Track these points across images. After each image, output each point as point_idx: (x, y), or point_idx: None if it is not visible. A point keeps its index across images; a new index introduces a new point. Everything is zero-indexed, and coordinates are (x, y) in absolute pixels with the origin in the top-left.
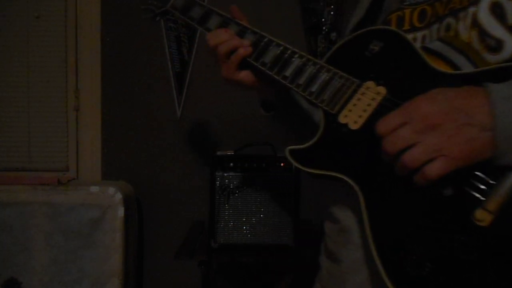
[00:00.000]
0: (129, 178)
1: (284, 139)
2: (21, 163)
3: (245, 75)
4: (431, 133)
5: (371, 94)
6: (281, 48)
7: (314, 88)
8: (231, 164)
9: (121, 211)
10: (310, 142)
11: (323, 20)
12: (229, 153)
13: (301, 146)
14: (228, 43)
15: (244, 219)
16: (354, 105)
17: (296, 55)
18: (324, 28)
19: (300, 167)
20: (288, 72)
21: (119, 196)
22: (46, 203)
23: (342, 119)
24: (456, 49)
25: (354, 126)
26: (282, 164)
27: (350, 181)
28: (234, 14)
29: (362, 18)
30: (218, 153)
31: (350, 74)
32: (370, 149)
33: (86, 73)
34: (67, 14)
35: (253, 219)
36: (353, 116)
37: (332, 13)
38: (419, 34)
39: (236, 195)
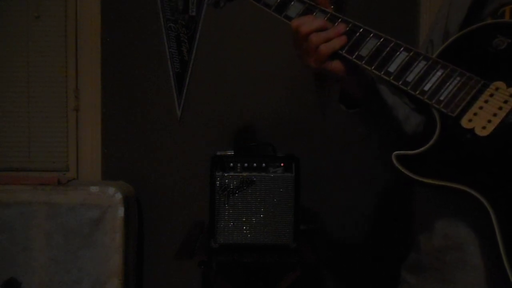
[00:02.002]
0: (129, 178)
1: (286, 139)
2: (21, 163)
3: (336, 65)
4: None
5: (502, 96)
6: (381, 40)
7: (427, 86)
8: (231, 164)
9: (121, 211)
10: (423, 148)
11: None
12: (229, 153)
13: (412, 152)
14: (323, 33)
15: (244, 219)
16: (480, 108)
17: (402, 48)
18: None
19: (411, 175)
20: (393, 68)
21: (119, 196)
22: (46, 203)
23: (465, 124)
24: None
25: (482, 133)
26: (282, 164)
27: (477, 195)
28: (318, 0)
29: (469, 9)
30: (218, 153)
31: (471, 72)
32: (502, 159)
33: (86, 73)
34: (67, 14)
35: (253, 219)
36: (481, 120)
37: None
38: None
39: (236, 195)
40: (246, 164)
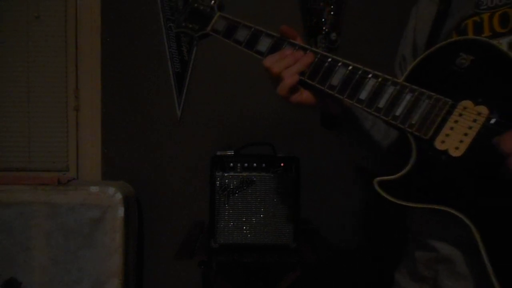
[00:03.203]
0: (129, 178)
1: (286, 139)
2: (21, 163)
3: (308, 96)
4: None
5: (470, 115)
6: (350, 67)
7: (398, 111)
8: (231, 164)
9: (121, 211)
10: (402, 172)
11: (323, 20)
12: (229, 153)
13: (392, 177)
14: (293, 67)
15: (244, 219)
16: (451, 128)
17: (370, 75)
18: (324, 28)
19: (393, 200)
20: (364, 95)
21: (119, 196)
22: (46, 203)
23: (439, 146)
24: None
25: (455, 153)
26: (282, 164)
27: (458, 214)
28: (286, 33)
29: (433, 25)
30: (218, 153)
31: (438, 93)
32: (476, 177)
33: (86, 73)
34: (67, 14)
35: (253, 219)
36: (453, 141)
37: (332, 13)
38: (504, 41)
39: (236, 195)
40: (246, 164)
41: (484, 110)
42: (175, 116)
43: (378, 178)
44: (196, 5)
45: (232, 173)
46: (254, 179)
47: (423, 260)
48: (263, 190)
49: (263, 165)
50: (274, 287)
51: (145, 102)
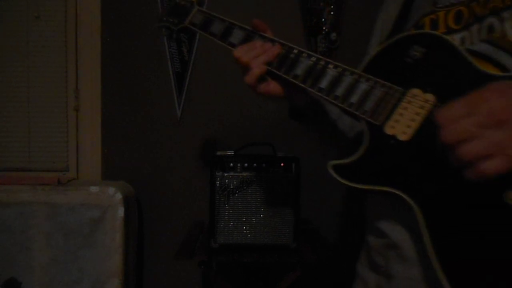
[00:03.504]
0: (129, 178)
1: (286, 139)
2: (21, 163)
3: (276, 86)
4: (496, 130)
5: (418, 102)
6: (313, 59)
7: (353, 99)
8: (231, 164)
9: (121, 211)
10: (355, 156)
11: (323, 20)
12: (229, 153)
13: (345, 161)
14: (262, 56)
15: (244, 219)
16: (401, 114)
17: (331, 66)
18: (324, 28)
19: (346, 183)
20: (324, 84)
21: (119, 196)
22: (46, 203)
23: (388, 130)
24: (504, 50)
25: (403, 137)
26: (282, 164)
27: (403, 195)
28: (257, 27)
29: (394, 24)
30: (218, 153)
31: (392, 82)
32: (422, 161)
33: (86, 73)
34: (67, 14)
35: (253, 219)
36: (401, 126)
37: (332, 13)
38: (457, 36)
39: (236, 195)
40: (246, 164)
41: (431, 97)
42: (175, 116)
43: (332, 162)
44: (178, 0)
45: (232, 173)
46: (254, 179)
47: (376, 247)
48: (263, 190)
49: (263, 165)
50: (274, 287)
51: (145, 102)
